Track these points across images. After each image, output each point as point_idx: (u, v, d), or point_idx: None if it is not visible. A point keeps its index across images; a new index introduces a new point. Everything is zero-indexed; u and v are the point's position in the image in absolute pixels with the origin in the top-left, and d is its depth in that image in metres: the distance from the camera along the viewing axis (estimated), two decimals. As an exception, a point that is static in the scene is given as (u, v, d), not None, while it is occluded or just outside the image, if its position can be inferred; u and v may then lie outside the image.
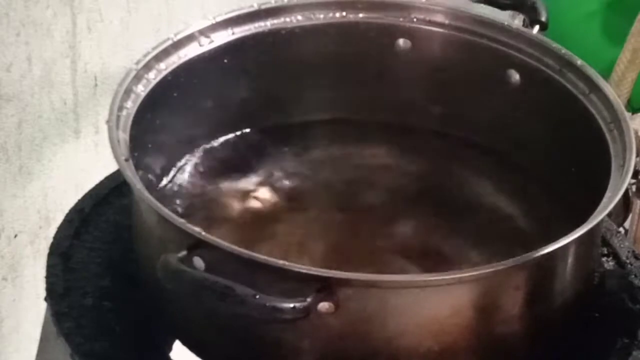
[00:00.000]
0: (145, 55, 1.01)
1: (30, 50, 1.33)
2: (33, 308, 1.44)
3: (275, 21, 1.10)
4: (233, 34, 1.08)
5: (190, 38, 1.05)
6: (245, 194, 1.10)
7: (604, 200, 0.90)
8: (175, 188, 1.06)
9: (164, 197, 1.01)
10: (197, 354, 0.90)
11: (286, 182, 1.12)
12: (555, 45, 1.07)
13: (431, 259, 1.04)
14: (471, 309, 0.85)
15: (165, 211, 0.85)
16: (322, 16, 1.12)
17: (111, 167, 1.00)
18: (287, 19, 1.11)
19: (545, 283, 0.89)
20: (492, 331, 0.87)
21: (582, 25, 1.86)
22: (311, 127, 1.16)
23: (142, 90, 0.99)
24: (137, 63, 1.00)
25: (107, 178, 1.10)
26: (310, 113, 1.16)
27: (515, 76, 1.09)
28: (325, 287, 0.80)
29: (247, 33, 1.09)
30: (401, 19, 1.13)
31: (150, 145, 1.01)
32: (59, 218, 1.05)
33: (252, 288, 0.78)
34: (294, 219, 1.07)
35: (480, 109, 1.14)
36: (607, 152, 0.96)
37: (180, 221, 0.84)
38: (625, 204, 1.55)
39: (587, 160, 1.02)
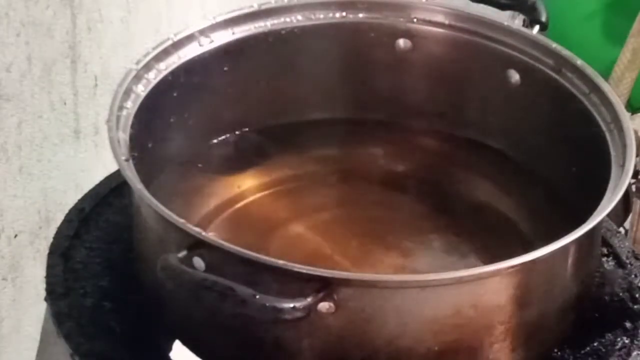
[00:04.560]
0: (145, 55, 1.01)
1: (30, 50, 1.33)
2: (33, 308, 1.44)
3: (275, 21, 1.10)
4: (233, 34, 1.08)
5: (190, 38, 1.05)
6: (245, 194, 1.10)
7: (604, 200, 0.90)
8: (175, 188, 1.06)
9: (163, 197, 1.00)
10: (197, 354, 0.90)
11: (285, 182, 1.12)
12: (555, 45, 1.07)
13: (431, 259, 1.04)
14: (471, 309, 0.85)
15: (165, 211, 0.85)
16: (322, 16, 1.12)
17: (111, 167, 1.00)
18: (287, 19, 1.11)
19: (545, 283, 0.89)
20: (492, 331, 0.87)
21: (582, 25, 1.86)
22: (311, 127, 1.16)
23: (142, 90, 0.99)
24: (137, 63, 1.00)
25: (107, 178, 1.10)
26: (310, 113, 1.16)
27: (515, 76, 1.09)
28: (325, 287, 0.80)
29: (247, 33, 1.09)
30: (401, 19, 1.13)
31: (150, 145, 1.01)
32: (59, 218, 1.05)
33: (252, 288, 0.78)
34: (293, 219, 1.07)
35: (479, 109, 1.14)
36: (607, 152, 0.96)
37: (180, 221, 0.84)
38: (625, 204, 1.55)
39: (587, 160, 1.02)
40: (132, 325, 0.94)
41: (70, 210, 1.06)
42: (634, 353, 0.93)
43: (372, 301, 0.82)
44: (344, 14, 1.13)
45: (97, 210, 1.06)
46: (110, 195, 1.08)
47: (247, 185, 1.11)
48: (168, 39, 1.03)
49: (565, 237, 0.86)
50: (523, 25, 1.16)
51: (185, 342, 0.91)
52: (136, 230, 0.96)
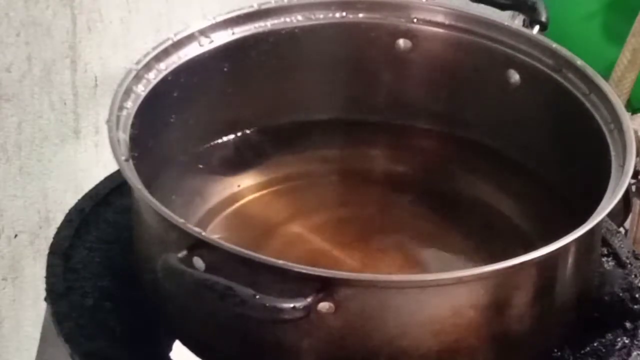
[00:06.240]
0: (145, 55, 1.01)
1: (30, 50, 1.33)
2: (33, 308, 1.44)
3: (275, 21, 1.10)
4: (233, 34, 1.08)
5: (190, 38, 1.05)
6: (245, 194, 1.10)
7: (604, 200, 0.90)
8: (175, 188, 1.06)
9: (163, 197, 1.00)
10: (197, 354, 0.90)
11: (285, 182, 1.12)
12: (555, 45, 1.07)
13: (431, 259, 1.04)
14: (471, 309, 0.85)
15: (166, 211, 0.85)
16: (322, 16, 1.12)
17: (111, 167, 1.00)
18: (287, 19, 1.11)
19: (545, 283, 0.89)
20: (492, 331, 0.87)
21: (582, 25, 1.86)
22: (311, 127, 1.16)
23: (142, 90, 0.99)
24: (137, 63, 1.00)
25: (107, 178, 1.10)
26: (310, 113, 1.16)
27: (515, 76, 1.09)
28: (325, 287, 0.80)
29: (247, 33, 1.09)
30: (401, 19, 1.13)
31: (150, 145, 1.01)
32: (59, 218, 1.05)
33: (252, 288, 0.78)
34: (293, 219, 1.07)
35: (480, 109, 1.14)
36: (607, 152, 0.96)
37: (180, 221, 0.84)
38: (625, 204, 1.55)
39: (587, 160, 1.02)
40: (132, 325, 0.94)
41: (70, 210, 1.06)
42: (634, 353, 0.93)
43: (372, 301, 0.82)
44: (344, 14, 1.13)
45: (97, 210, 1.06)
46: (110, 195, 1.08)
47: (247, 185, 1.11)
48: (168, 39, 1.03)
49: (565, 237, 0.86)
50: (523, 25, 1.16)
51: (185, 342, 0.91)
52: (136, 230, 0.96)
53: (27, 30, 1.32)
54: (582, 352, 0.94)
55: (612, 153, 0.95)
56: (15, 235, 1.40)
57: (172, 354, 0.93)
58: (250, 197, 1.10)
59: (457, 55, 1.13)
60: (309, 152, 1.15)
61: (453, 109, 1.16)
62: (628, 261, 1.05)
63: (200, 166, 1.10)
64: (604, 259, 1.05)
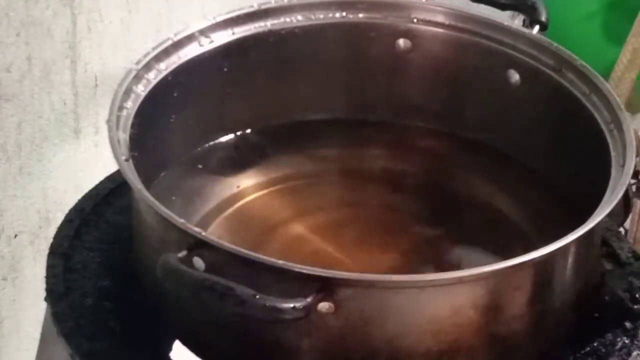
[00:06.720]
0: (145, 55, 1.01)
1: (30, 50, 1.33)
2: (33, 308, 1.43)
3: (275, 21, 1.10)
4: (233, 34, 1.08)
5: (190, 38, 1.05)
6: (245, 194, 1.10)
7: (604, 200, 0.90)
8: (175, 188, 1.06)
9: (163, 197, 1.00)
10: (197, 354, 0.90)
11: (285, 182, 1.12)
12: (555, 45, 1.07)
13: (431, 259, 1.04)
14: (471, 309, 0.85)
15: (165, 211, 0.85)
16: (322, 16, 1.12)
17: (111, 167, 1.00)
18: (287, 19, 1.11)
19: (545, 283, 0.89)
20: (492, 331, 0.87)
21: (582, 25, 1.86)
22: (311, 127, 1.16)
23: (142, 90, 0.99)
24: (137, 63, 1.00)
25: (107, 178, 1.10)
26: (310, 113, 1.16)
27: (515, 76, 1.10)
28: (325, 287, 0.80)
29: (247, 33, 1.09)
30: (401, 19, 1.13)
31: (150, 145, 1.01)
32: (59, 218, 1.05)
33: (252, 288, 0.78)
34: (293, 219, 1.07)
35: (480, 109, 1.14)
36: (607, 152, 0.96)
37: (180, 221, 0.84)
38: (625, 204, 1.54)
39: (587, 160, 1.02)
40: (132, 325, 0.94)
41: (70, 210, 1.06)
42: (634, 353, 0.93)
43: (372, 301, 0.82)
44: (344, 14, 1.13)
45: (97, 210, 1.07)
46: (110, 195, 1.08)
47: (247, 185, 1.11)
48: (168, 39, 1.03)
49: (565, 237, 0.86)
50: (523, 25, 1.16)
51: (185, 342, 0.92)
52: (136, 231, 0.96)
53: (27, 30, 1.32)
54: (582, 352, 0.94)
55: (612, 153, 0.95)
56: (15, 235, 1.40)
57: (172, 354, 0.93)
58: (250, 197, 1.10)
59: (457, 55, 1.13)
60: (308, 152, 1.15)
61: (453, 109, 1.16)
62: (628, 261, 1.05)
63: (200, 166, 1.10)
64: (604, 259, 1.05)
